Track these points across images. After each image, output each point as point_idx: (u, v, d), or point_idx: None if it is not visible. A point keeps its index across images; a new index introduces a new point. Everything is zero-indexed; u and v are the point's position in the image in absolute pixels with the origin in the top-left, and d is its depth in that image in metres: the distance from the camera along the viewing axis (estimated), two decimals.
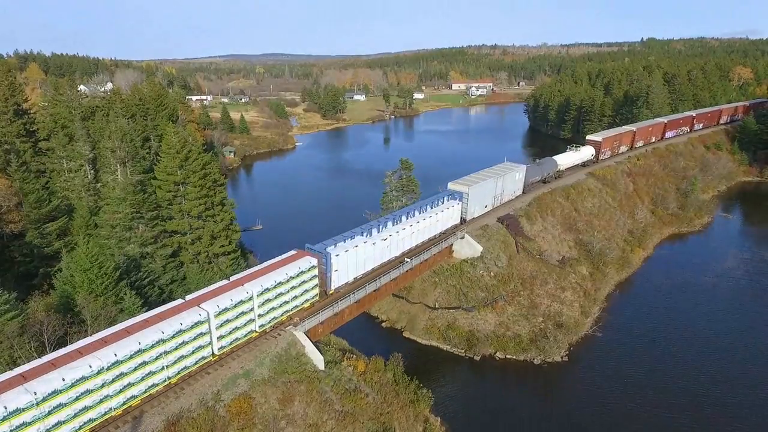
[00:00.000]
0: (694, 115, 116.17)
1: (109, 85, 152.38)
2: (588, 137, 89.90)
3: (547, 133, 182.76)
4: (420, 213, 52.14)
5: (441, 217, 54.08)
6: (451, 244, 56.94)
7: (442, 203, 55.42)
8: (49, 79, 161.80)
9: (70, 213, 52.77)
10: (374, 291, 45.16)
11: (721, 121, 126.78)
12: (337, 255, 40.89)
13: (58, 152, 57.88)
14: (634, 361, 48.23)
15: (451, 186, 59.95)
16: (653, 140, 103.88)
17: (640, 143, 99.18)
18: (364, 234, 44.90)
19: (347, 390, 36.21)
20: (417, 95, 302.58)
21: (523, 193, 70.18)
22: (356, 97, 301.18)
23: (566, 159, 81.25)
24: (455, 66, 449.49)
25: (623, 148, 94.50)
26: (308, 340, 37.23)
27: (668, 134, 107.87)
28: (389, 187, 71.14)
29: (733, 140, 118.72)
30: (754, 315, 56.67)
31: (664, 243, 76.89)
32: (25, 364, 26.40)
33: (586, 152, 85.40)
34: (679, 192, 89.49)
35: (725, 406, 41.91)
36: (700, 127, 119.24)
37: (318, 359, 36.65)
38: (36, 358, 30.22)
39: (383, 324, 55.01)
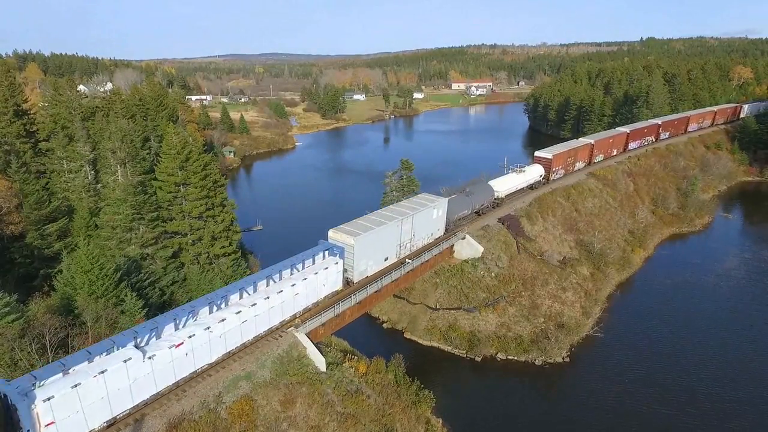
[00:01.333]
0: (659, 123, 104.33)
1: (109, 85, 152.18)
2: (536, 154, 76.98)
3: (547, 132, 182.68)
4: (268, 284, 36.14)
5: (303, 287, 37.62)
6: (452, 245, 56.86)
7: (312, 263, 39.53)
8: (48, 79, 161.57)
9: (70, 214, 52.73)
10: (375, 292, 45.11)
11: (690, 129, 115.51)
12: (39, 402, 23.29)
13: (58, 153, 57.73)
14: (635, 361, 48.19)
15: (332, 235, 43.65)
16: (614, 153, 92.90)
17: (599, 157, 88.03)
18: (137, 340, 28.07)
19: (349, 391, 36.17)
20: (417, 95, 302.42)
21: (446, 232, 56.33)
22: (356, 96, 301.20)
23: (506, 183, 67.79)
24: (455, 65, 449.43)
25: (580, 165, 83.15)
26: (309, 341, 37.17)
27: (631, 145, 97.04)
28: (390, 188, 71.10)
29: (733, 140, 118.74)
30: (754, 314, 56.66)
31: (664, 243, 76.85)
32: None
33: (532, 173, 72.72)
34: (680, 192, 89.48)
35: (725, 404, 41.92)
36: (667, 136, 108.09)
37: (319, 361, 36.60)
38: (37, 361, 30.26)
39: (384, 325, 54.94)
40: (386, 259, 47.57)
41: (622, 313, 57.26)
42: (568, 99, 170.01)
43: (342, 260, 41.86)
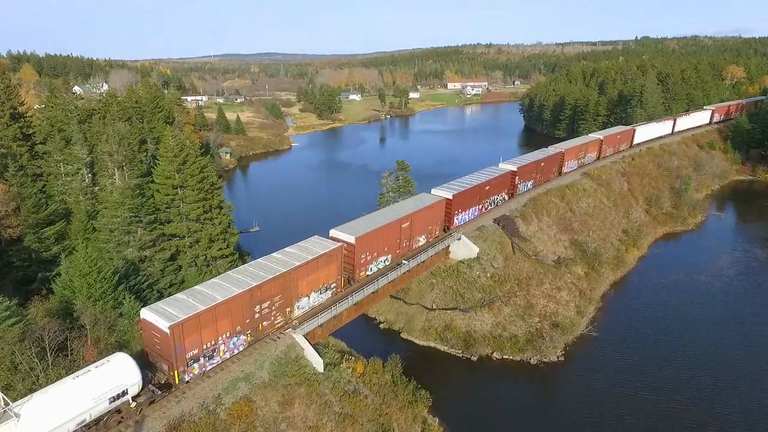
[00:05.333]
0: (515, 169, 68.31)
1: (105, 87, 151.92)
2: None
3: (542, 132, 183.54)
4: None
5: None
6: (448, 246, 57.35)
7: None
8: (43, 80, 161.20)
9: (67, 217, 52.88)
10: (372, 293, 45.56)
11: (565, 170, 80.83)
12: None
13: (54, 156, 57.86)
14: (629, 359, 48.87)
15: None
16: (434, 233, 55.34)
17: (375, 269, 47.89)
18: None
19: (346, 392, 36.61)
20: (412, 95, 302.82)
21: None
22: (352, 96, 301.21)
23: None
24: (450, 65, 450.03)
25: (319, 299, 41.43)
26: (307, 342, 37.60)
27: (460, 218, 58.98)
28: (386, 188, 71.55)
29: (725, 139, 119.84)
30: (746, 312, 57.49)
31: (658, 242, 77.62)
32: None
33: None
34: (673, 191, 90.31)
35: (719, 401, 42.66)
36: (528, 187, 72.08)
37: (317, 362, 37.02)
38: (37, 365, 30.50)
39: (381, 325, 55.39)
40: None
41: (617, 313, 57.92)
42: (563, 99, 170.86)
43: None
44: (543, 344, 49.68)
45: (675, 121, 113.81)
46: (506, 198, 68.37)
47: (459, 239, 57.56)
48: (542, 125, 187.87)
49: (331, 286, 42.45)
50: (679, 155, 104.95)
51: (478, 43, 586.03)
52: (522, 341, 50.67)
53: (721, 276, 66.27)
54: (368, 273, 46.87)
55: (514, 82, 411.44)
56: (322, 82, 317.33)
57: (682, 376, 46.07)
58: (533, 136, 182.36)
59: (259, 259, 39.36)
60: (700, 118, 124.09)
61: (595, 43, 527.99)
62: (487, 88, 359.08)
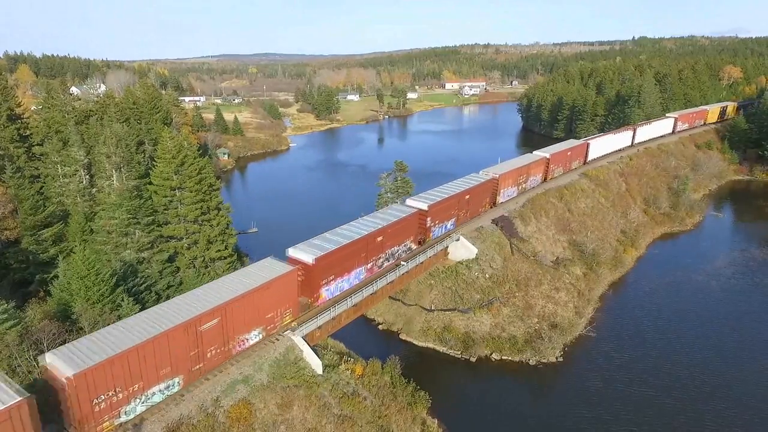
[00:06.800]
0: (426, 208, 52.84)
1: (102, 88, 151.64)
2: None
3: (540, 132, 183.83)
4: None
5: None
6: (447, 246, 57.36)
7: None
8: (40, 81, 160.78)
9: (65, 219, 52.72)
10: (371, 294, 45.53)
11: (501, 200, 67.12)
12: None
13: (52, 157, 57.73)
14: (628, 359, 48.92)
15: None
16: (260, 341, 35.69)
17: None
18: None
19: (345, 394, 36.57)
20: (410, 95, 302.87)
21: None
22: (350, 97, 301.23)
23: None
24: (448, 65, 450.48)
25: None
26: (306, 344, 37.55)
27: (327, 292, 41.55)
28: (384, 189, 71.51)
29: (723, 139, 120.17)
30: (743, 311, 57.61)
31: (656, 242, 77.73)
32: None
33: None
34: (671, 191, 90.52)
35: (717, 399, 42.70)
36: (448, 228, 57.20)
37: (316, 363, 36.97)
38: (35, 368, 30.36)
39: (380, 327, 55.30)
40: None
41: (615, 313, 57.97)
42: (561, 99, 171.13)
43: None
44: (542, 345, 49.69)
45: (635, 131, 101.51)
46: (413, 247, 51.99)
47: (458, 240, 57.60)
48: (540, 125, 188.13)
49: None
50: (677, 155, 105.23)
51: (476, 44, 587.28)
52: (521, 342, 50.69)
53: (719, 275, 66.42)
54: (120, 421, 27.76)
55: (512, 82, 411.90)
56: (320, 83, 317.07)
57: (681, 375, 46.25)
58: (531, 136, 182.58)
59: None
60: (662, 127, 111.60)
61: (592, 44, 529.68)
62: (485, 89, 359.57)
